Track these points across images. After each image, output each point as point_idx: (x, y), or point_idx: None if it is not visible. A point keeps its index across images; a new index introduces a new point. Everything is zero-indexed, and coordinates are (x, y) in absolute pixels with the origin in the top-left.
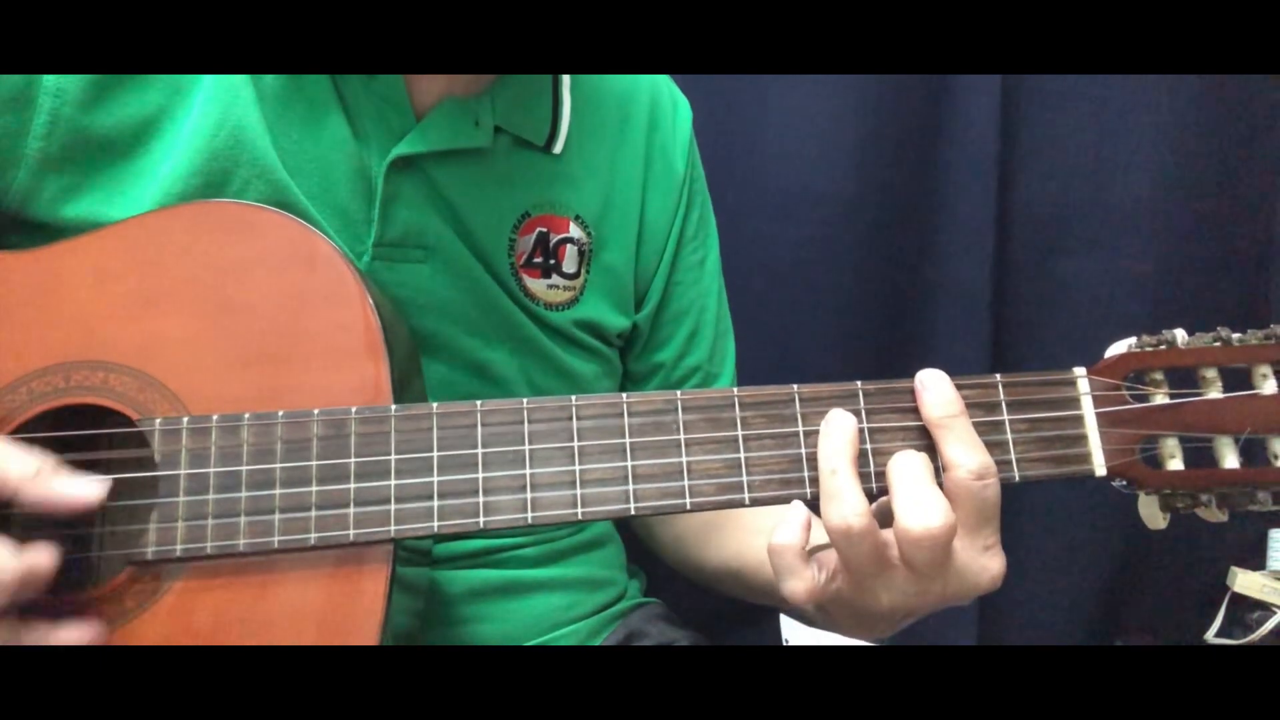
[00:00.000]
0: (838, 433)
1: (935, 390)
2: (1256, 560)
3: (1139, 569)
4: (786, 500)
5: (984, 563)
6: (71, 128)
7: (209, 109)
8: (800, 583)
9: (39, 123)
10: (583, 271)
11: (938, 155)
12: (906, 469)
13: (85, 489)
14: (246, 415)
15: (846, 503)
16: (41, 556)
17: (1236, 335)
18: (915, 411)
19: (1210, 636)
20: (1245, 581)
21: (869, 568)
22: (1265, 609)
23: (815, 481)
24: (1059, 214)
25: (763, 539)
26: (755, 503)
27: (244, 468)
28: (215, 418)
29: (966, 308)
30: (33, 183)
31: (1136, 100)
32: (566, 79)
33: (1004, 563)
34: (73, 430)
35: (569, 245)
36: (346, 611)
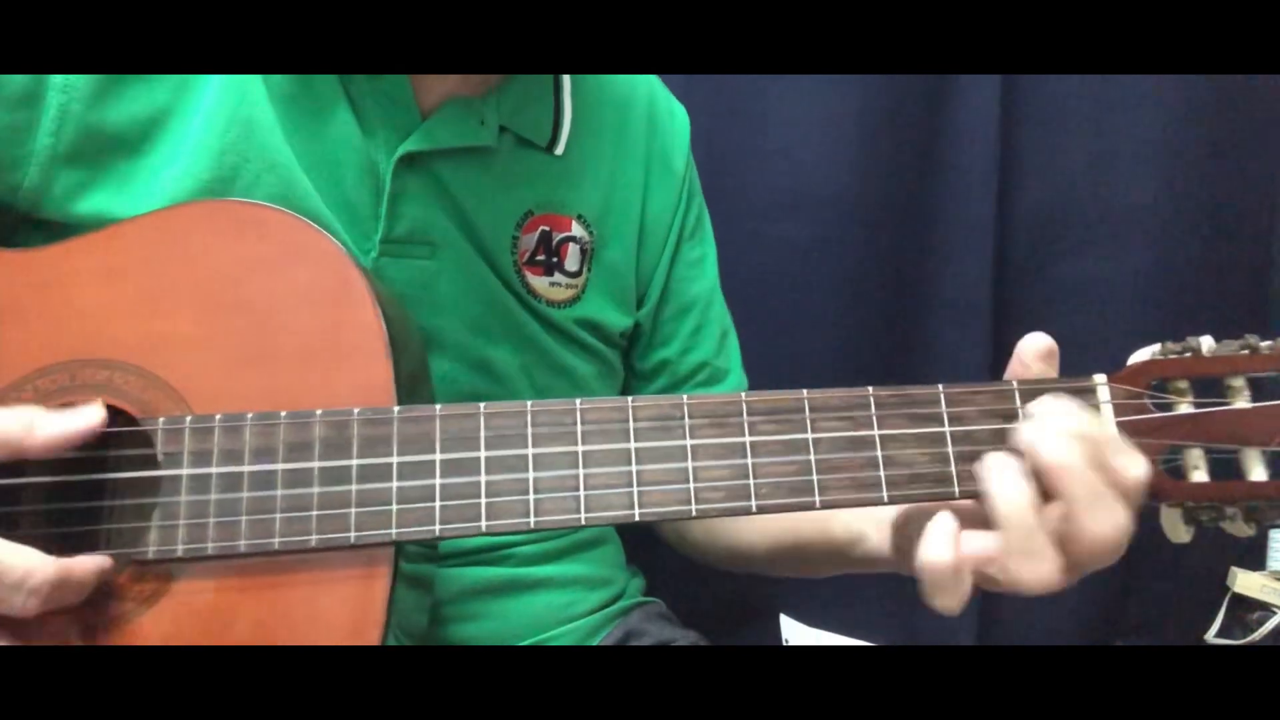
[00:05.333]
0: (1012, 486)
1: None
2: (1256, 560)
3: (1139, 569)
4: (794, 509)
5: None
6: (80, 123)
7: (220, 104)
8: (954, 600)
9: (48, 119)
10: (584, 270)
11: (938, 155)
12: (1073, 466)
13: (86, 417)
14: (249, 415)
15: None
16: (83, 563)
17: (1265, 343)
18: (927, 419)
19: (1210, 636)
20: (1245, 581)
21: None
22: (1265, 609)
23: (824, 489)
24: (1059, 214)
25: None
26: (762, 510)
27: (246, 468)
28: (218, 417)
29: (967, 308)
30: (43, 180)
31: (1136, 100)
32: (567, 83)
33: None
34: None
35: (571, 244)
36: (348, 615)
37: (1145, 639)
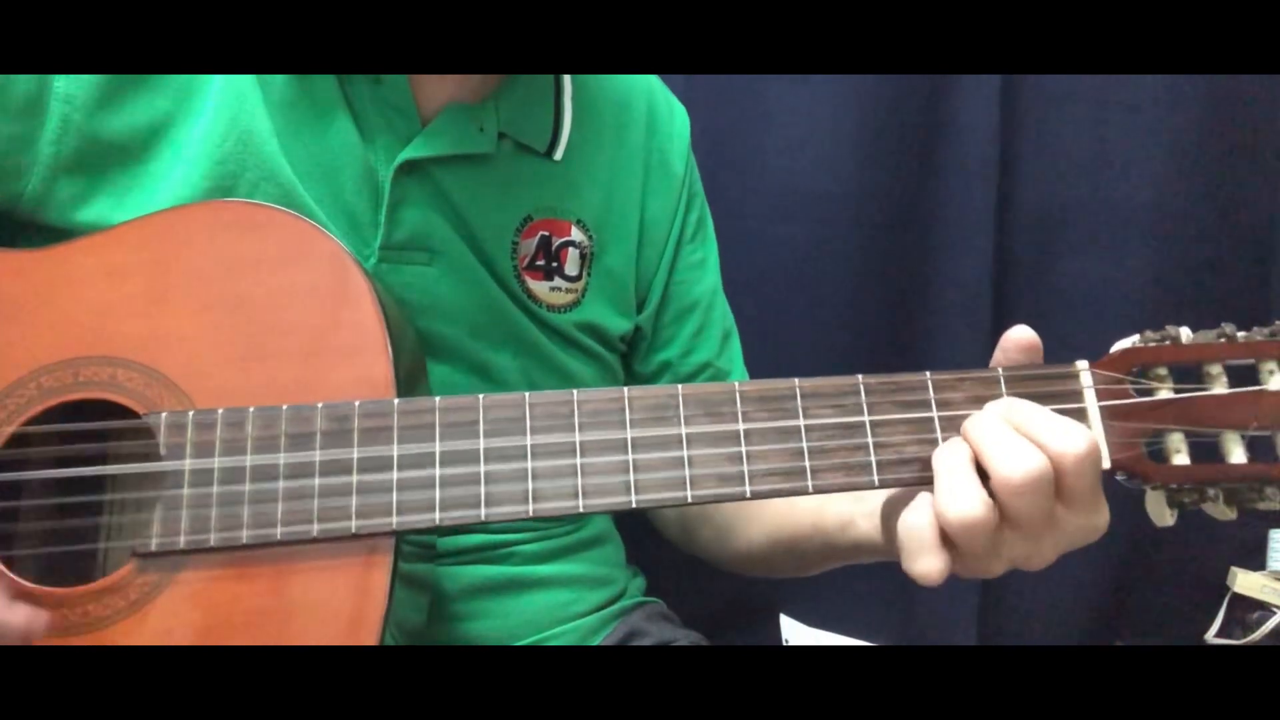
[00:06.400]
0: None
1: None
2: (1256, 560)
3: (1139, 569)
4: (787, 493)
5: (1091, 518)
6: (82, 132)
7: (218, 113)
8: (936, 562)
9: (50, 127)
10: (584, 274)
11: (938, 155)
12: (987, 424)
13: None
14: (251, 409)
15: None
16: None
17: (1241, 332)
18: (917, 405)
19: (1210, 636)
20: (1245, 581)
21: (985, 546)
22: (1265, 609)
23: (816, 473)
24: (1059, 214)
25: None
26: (755, 495)
27: (248, 461)
28: (220, 411)
29: (966, 307)
30: (46, 188)
31: (1136, 100)
32: (568, 87)
33: (1107, 510)
34: (81, 424)
35: (571, 248)
36: (349, 605)
37: (1145, 639)
